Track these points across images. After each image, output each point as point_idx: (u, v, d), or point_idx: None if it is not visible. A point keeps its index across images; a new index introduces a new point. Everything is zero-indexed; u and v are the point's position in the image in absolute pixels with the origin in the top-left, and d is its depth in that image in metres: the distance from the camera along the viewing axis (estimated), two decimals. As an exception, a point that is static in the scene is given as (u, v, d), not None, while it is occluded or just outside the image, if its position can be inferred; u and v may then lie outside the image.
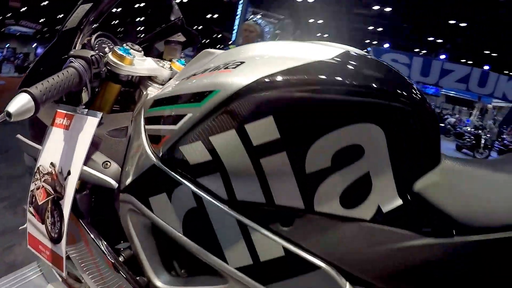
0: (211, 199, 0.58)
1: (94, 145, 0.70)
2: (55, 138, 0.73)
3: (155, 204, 0.62)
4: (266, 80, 0.53)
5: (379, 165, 0.53)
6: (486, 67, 11.14)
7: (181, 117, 0.58)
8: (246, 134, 0.53)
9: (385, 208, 0.54)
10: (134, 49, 0.78)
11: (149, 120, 0.66)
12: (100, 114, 0.69)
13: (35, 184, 0.74)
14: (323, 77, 0.53)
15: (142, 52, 0.81)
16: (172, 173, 0.60)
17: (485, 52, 12.04)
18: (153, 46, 1.00)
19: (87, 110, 0.71)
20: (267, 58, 0.59)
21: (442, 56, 14.51)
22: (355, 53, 0.59)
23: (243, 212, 0.57)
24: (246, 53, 0.62)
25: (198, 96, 0.57)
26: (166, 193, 0.61)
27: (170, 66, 0.85)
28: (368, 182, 0.53)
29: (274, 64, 0.55)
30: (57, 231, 0.69)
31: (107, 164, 0.68)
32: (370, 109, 0.52)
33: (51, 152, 0.73)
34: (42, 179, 0.73)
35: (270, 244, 0.57)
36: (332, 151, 0.52)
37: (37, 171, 0.74)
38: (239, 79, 0.54)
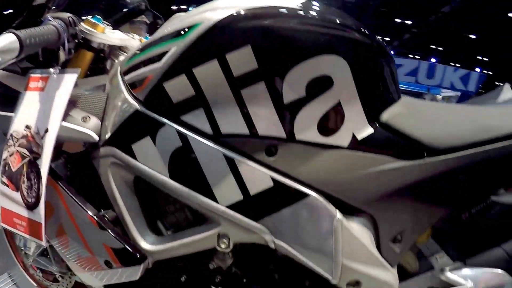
0: (196, 136, 0.58)
1: (72, 103, 0.67)
2: (30, 102, 0.69)
3: (139, 150, 0.61)
4: (244, 12, 0.56)
5: (348, 95, 0.58)
6: (433, 60, 11.59)
7: (164, 53, 0.58)
8: (227, 64, 0.55)
9: (359, 136, 0.59)
10: (104, 22, 0.78)
11: (128, 71, 0.65)
12: (78, 70, 0.67)
13: (8, 152, 0.69)
14: (294, 12, 0.58)
15: (111, 26, 0.81)
16: (155, 115, 0.60)
17: (431, 46, 12.93)
18: (117, 29, 1.01)
19: (63, 69, 0.69)
20: None
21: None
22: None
23: (228, 146, 0.58)
24: None
25: (182, 31, 0.58)
26: (150, 136, 0.60)
27: (140, 39, 0.86)
28: (341, 111, 0.58)
29: (250, 1, 0.58)
30: (34, 194, 0.64)
31: (86, 118, 0.65)
32: (335, 41, 0.57)
33: (25, 116, 0.68)
34: (16, 144, 0.68)
35: (258, 175, 0.57)
36: (305, 81, 0.56)
37: (11, 138, 0.69)
38: (219, 12, 0.57)
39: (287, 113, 0.56)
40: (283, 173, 0.58)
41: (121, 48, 0.81)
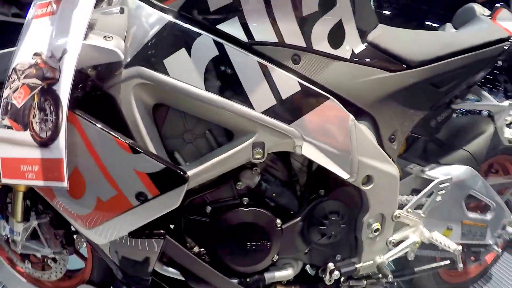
0: (232, 45, 0.59)
1: (89, 26, 0.57)
2: (38, 28, 0.58)
3: (172, 64, 0.57)
4: None
5: (347, 15, 0.67)
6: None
7: None
8: None
9: (356, 50, 0.70)
10: None
11: None
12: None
13: (10, 88, 0.57)
14: None
15: None
16: (190, 26, 0.58)
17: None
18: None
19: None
20: None
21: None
22: None
23: (261, 54, 0.61)
24: None
25: None
26: (184, 48, 0.58)
27: None
28: (342, 28, 0.67)
29: None
30: (50, 126, 0.52)
31: (108, 37, 0.56)
32: None
33: (33, 44, 0.57)
34: (22, 77, 0.56)
35: (288, 80, 0.63)
36: None
37: (13, 72, 0.57)
38: None
39: (306, 24, 0.63)
40: (307, 78, 0.64)
41: None
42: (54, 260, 1.04)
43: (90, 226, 0.61)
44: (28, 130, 0.54)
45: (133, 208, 0.57)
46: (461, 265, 0.93)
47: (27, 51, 0.57)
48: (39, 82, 0.54)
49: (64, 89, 0.51)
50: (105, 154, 0.55)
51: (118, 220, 0.58)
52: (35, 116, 0.53)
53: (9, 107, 0.56)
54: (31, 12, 0.61)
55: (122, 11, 0.61)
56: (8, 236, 0.84)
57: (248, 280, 0.74)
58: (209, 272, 0.70)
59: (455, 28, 1.00)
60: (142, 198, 0.57)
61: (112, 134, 0.55)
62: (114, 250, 0.66)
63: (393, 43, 0.74)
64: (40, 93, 0.53)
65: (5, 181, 0.56)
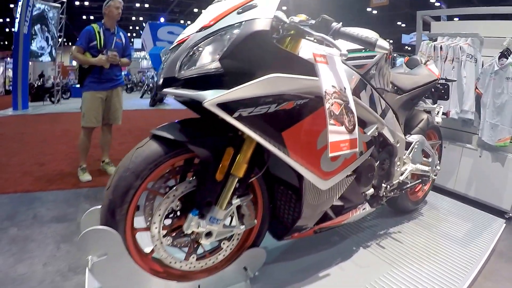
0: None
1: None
2: (324, 71, 1.07)
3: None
4: None
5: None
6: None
7: None
8: None
9: (390, 89, 1.59)
10: None
11: None
12: (338, 52, 1.15)
13: (329, 103, 1.04)
14: None
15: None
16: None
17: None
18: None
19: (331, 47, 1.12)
20: None
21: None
22: None
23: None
24: None
25: None
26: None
27: None
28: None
29: None
30: (352, 123, 1.11)
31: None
32: None
33: (327, 80, 1.06)
34: (332, 97, 1.05)
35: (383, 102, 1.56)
36: None
37: (326, 94, 1.04)
38: None
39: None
40: (387, 104, 1.59)
41: None
42: (228, 239, 1.22)
43: (326, 178, 1.18)
44: (343, 125, 1.07)
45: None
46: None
47: (327, 83, 1.05)
48: (342, 101, 1.08)
49: (351, 107, 1.12)
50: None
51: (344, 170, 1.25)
52: (345, 118, 1.08)
53: (331, 113, 1.03)
54: (313, 58, 1.04)
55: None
56: (193, 224, 1.06)
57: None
58: None
59: (409, 68, 2.14)
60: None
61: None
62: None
63: (396, 82, 1.80)
64: (344, 107, 1.09)
65: (332, 154, 1.03)
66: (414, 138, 1.92)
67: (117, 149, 3.81)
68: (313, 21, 1.06)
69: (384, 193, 1.70)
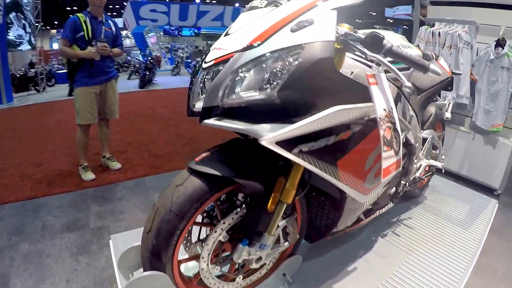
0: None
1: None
2: (376, 93, 1.03)
3: None
4: None
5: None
6: (237, 5, 15.25)
7: None
8: None
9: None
10: None
11: None
12: (382, 73, 1.11)
13: (382, 129, 1.00)
14: None
15: None
16: None
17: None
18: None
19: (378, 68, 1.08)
20: None
21: (198, 0, 17.75)
22: None
23: None
24: None
25: None
26: None
27: None
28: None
29: None
30: (397, 145, 1.09)
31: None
32: None
33: (379, 103, 1.03)
34: (385, 122, 1.02)
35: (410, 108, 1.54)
36: None
37: (380, 119, 1.00)
38: None
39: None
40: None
41: None
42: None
43: (367, 193, 1.17)
44: (392, 149, 1.05)
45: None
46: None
47: (380, 107, 1.02)
48: (390, 124, 1.05)
49: (398, 128, 1.10)
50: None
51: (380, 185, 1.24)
52: (393, 141, 1.06)
53: (384, 140, 1.00)
54: (367, 79, 0.99)
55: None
56: (256, 254, 1.06)
57: None
58: None
59: None
60: None
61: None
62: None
63: (416, 83, 1.81)
64: (393, 130, 1.06)
65: (384, 180, 1.02)
66: (427, 133, 1.98)
67: (113, 139, 3.60)
68: (362, 35, 0.97)
69: (402, 189, 1.77)
